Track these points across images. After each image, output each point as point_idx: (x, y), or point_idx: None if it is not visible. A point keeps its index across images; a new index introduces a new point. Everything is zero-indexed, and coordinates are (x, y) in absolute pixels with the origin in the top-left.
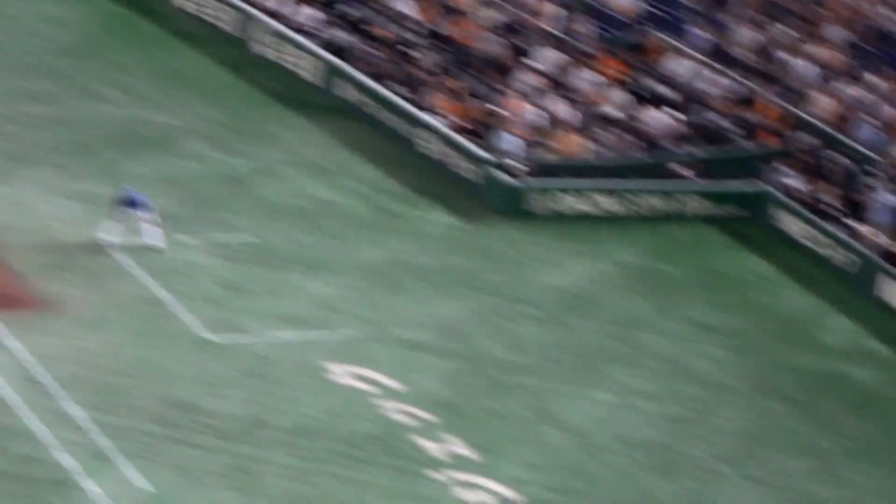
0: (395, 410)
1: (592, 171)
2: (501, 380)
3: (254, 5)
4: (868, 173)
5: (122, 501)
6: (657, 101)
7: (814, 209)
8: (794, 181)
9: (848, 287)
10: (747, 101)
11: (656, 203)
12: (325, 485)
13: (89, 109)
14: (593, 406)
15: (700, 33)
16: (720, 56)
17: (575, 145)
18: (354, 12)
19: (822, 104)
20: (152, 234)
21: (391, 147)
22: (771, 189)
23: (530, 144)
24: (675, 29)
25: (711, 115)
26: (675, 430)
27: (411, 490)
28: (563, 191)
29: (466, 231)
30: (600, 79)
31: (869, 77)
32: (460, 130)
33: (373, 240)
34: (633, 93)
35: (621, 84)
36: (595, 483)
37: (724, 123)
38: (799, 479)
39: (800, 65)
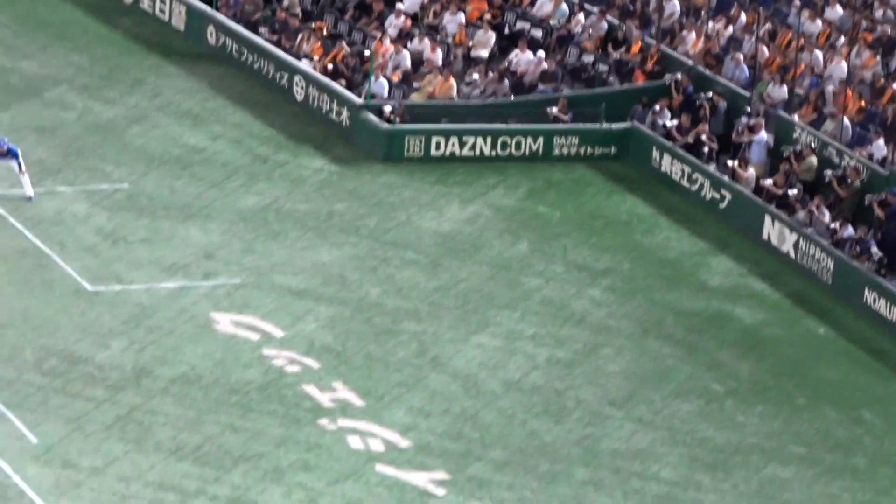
0: (281, 358)
1: (465, 113)
2: (385, 325)
3: None
4: (741, 111)
5: (10, 454)
6: (527, 41)
7: (689, 149)
8: (669, 121)
9: (727, 226)
10: (619, 41)
11: (530, 145)
12: (214, 434)
13: None
14: (479, 351)
15: None
16: None
17: (446, 88)
18: None
19: (693, 43)
20: (27, 185)
21: (262, 93)
22: (646, 129)
23: (401, 87)
24: None
25: (583, 56)
26: (561, 374)
27: (299, 437)
28: (436, 134)
29: (341, 176)
30: (470, 20)
31: (737, 14)
32: (331, 74)
33: (248, 186)
34: (502, 34)
35: (491, 25)
36: (483, 428)
37: (596, 63)
38: (686, 421)
39: (669, 3)
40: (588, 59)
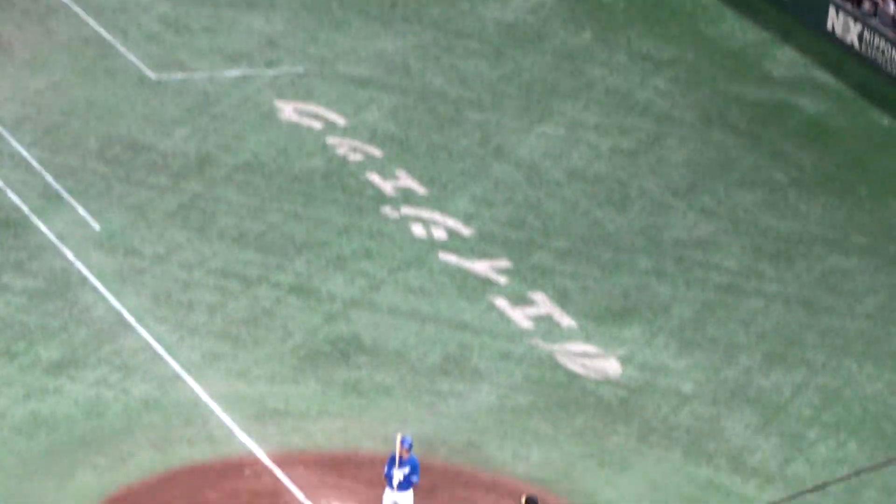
0: (344, 146)
1: None
2: (448, 114)
3: None
4: None
5: (73, 241)
6: None
7: None
8: None
9: (791, 17)
10: None
11: None
12: (278, 221)
13: None
14: (542, 140)
15: None
16: None
17: None
18: None
19: None
20: None
21: None
22: None
23: None
24: None
25: None
26: (624, 163)
27: (362, 225)
28: None
29: None
30: None
31: None
32: None
33: None
34: None
35: None
36: (546, 216)
37: None
38: (749, 210)
39: None
40: None
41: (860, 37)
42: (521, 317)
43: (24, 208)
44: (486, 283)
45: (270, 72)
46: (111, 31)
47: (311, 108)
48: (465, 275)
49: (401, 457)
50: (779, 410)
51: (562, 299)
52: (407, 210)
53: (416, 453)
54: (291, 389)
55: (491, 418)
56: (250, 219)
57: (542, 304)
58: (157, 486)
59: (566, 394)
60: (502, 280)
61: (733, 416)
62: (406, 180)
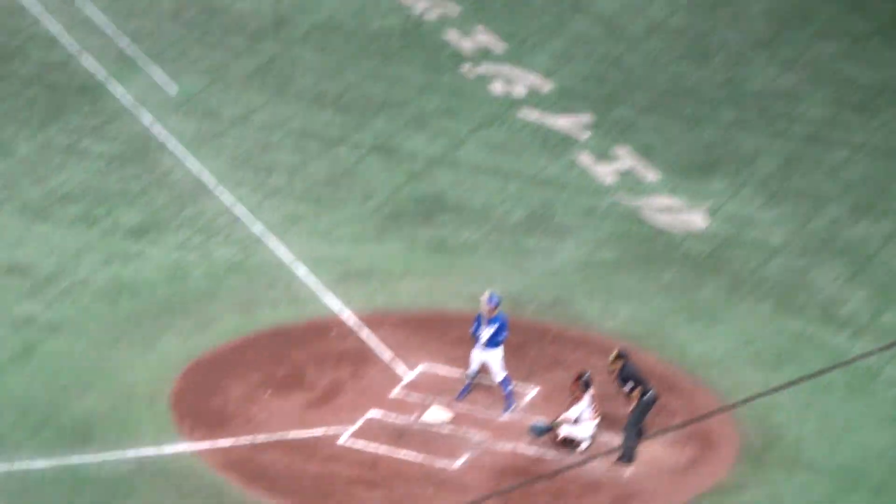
0: (420, 4)
1: None
2: None
3: None
4: None
5: (150, 105)
6: None
7: None
8: None
9: None
10: None
11: None
12: (355, 81)
13: None
14: None
15: None
16: None
17: None
18: None
19: None
20: None
21: None
22: None
23: None
24: None
25: None
26: (704, 15)
27: (441, 83)
28: None
29: None
30: None
31: None
32: None
33: None
34: None
35: None
36: (626, 70)
37: None
38: (830, 61)
39: None
40: None
41: None
42: (604, 172)
43: (101, 73)
44: (568, 139)
45: None
46: None
47: None
48: (547, 131)
49: (489, 314)
50: (868, 261)
51: (645, 153)
52: (486, 67)
53: (503, 310)
54: (375, 249)
55: (577, 275)
56: (328, 79)
57: (626, 158)
58: (241, 349)
59: (653, 248)
60: (584, 135)
61: (822, 268)
62: (484, 37)
